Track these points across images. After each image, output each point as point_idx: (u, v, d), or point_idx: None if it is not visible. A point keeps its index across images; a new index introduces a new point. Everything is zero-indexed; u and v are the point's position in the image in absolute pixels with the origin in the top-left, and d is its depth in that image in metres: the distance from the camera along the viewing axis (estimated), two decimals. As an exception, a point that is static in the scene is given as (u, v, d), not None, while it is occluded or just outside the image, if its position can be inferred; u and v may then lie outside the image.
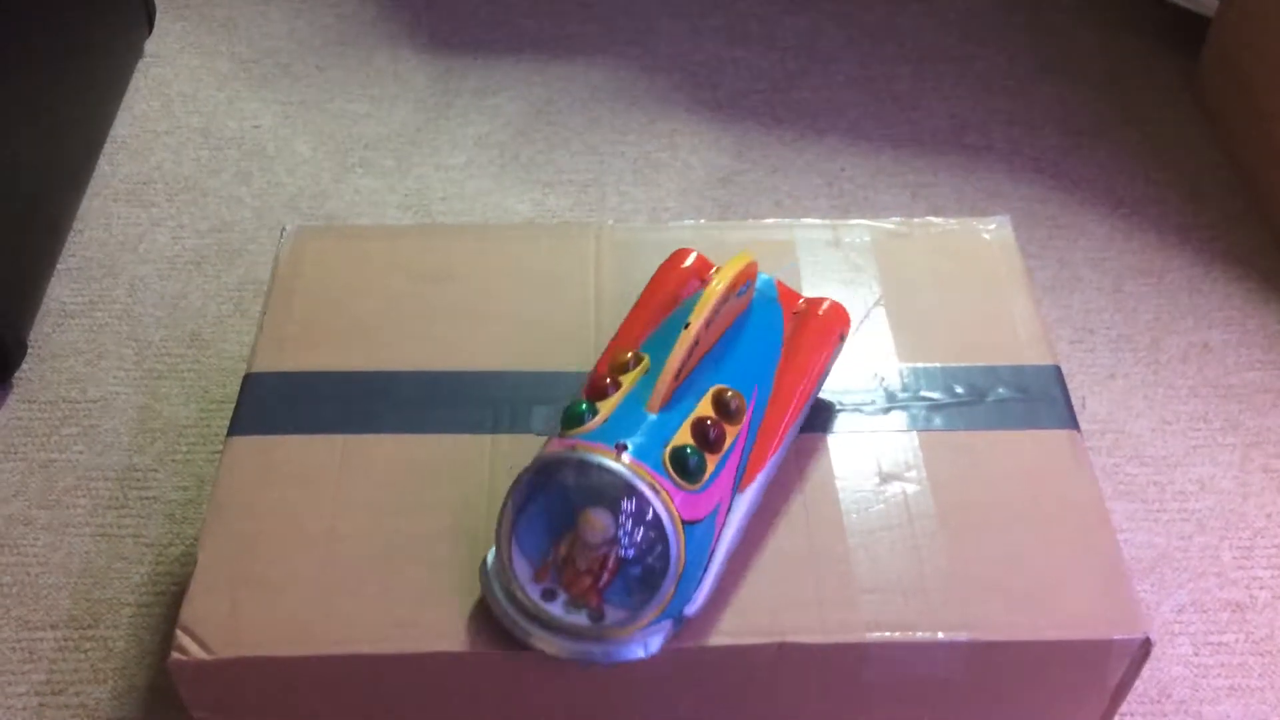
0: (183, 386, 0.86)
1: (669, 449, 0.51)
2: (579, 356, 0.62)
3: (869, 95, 1.11)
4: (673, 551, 0.50)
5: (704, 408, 0.54)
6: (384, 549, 0.55)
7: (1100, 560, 0.55)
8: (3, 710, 0.69)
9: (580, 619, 0.51)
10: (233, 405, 0.62)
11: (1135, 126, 1.08)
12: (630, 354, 0.56)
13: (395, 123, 1.07)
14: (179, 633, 0.52)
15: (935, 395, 0.62)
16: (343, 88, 1.11)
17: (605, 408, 0.53)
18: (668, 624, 0.51)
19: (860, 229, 0.71)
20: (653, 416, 0.52)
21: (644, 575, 0.51)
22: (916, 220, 0.71)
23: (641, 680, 0.55)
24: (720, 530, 0.53)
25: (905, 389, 0.62)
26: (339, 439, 0.60)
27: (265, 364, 0.63)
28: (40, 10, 0.93)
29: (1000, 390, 0.62)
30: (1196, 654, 0.72)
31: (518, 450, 0.58)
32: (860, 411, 0.61)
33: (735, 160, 1.04)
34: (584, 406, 0.52)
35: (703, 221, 0.73)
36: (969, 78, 1.12)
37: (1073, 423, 0.61)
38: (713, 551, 0.53)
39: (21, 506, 0.79)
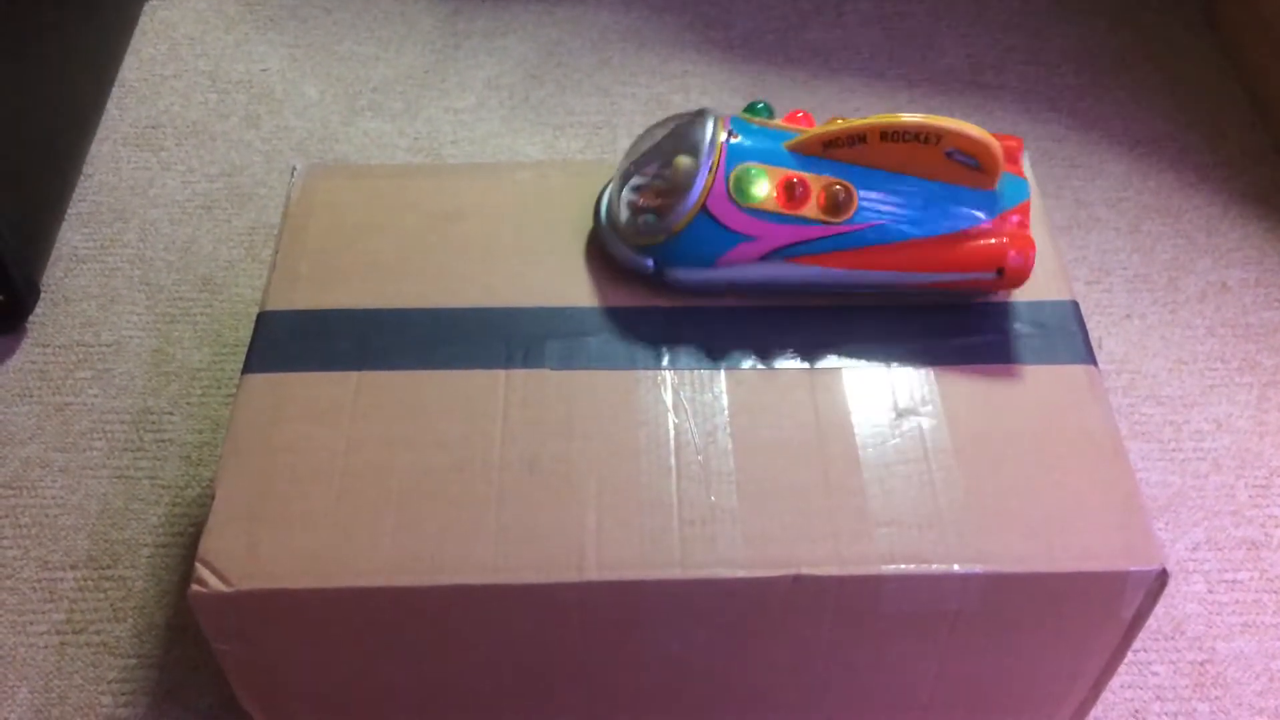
0: (195, 330, 0.86)
1: (752, 166, 0.59)
2: (591, 292, 0.62)
3: (883, 35, 1.09)
4: (684, 202, 0.59)
5: (817, 180, 0.59)
6: (399, 483, 0.55)
7: (1116, 493, 0.55)
8: (25, 648, 0.70)
9: (647, 220, 0.61)
10: (245, 349, 0.62)
11: (1153, 64, 1.06)
12: (840, 120, 0.61)
13: (404, 65, 1.06)
14: (198, 565, 0.52)
15: (951, 330, 0.61)
16: (350, 30, 1.10)
17: (771, 123, 0.61)
18: (649, 262, 0.61)
19: (876, 165, 0.70)
20: (781, 151, 0.60)
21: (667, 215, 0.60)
22: (933, 156, 0.70)
23: (656, 612, 0.55)
24: (737, 256, 0.60)
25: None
26: (353, 375, 0.59)
27: (278, 302, 0.63)
28: (45, -49, 0.92)
29: (1017, 325, 0.62)
30: (1211, 591, 0.72)
31: (531, 385, 0.58)
32: (876, 345, 0.61)
33: (748, 101, 1.03)
34: (761, 105, 0.63)
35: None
36: (985, 16, 1.11)
37: (1090, 358, 0.61)
38: (719, 261, 0.60)
39: (38, 449, 0.79)
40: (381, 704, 0.60)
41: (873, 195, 0.59)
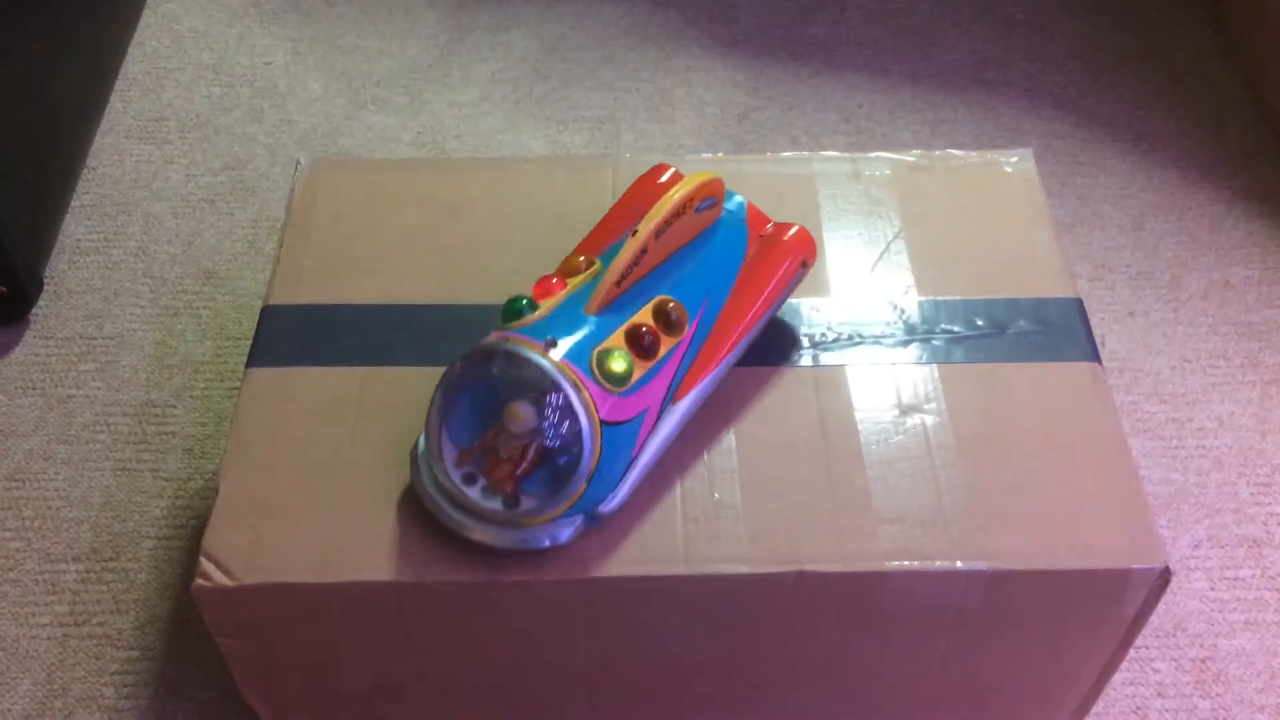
0: (198, 323, 0.86)
1: (597, 351, 0.52)
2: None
3: (887, 30, 1.09)
4: (587, 448, 0.51)
5: (644, 315, 0.54)
6: (402, 479, 0.55)
7: (1119, 491, 0.55)
8: (28, 640, 0.70)
9: (495, 504, 0.52)
10: (248, 342, 0.62)
11: (1158, 62, 1.06)
12: (582, 258, 0.57)
13: (408, 59, 1.06)
14: (202, 559, 0.53)
15: (955, 328, 0.61)
16: (354, 24, 1.10)
17: (546, 306, 0.54)
18: (579, 519, 0.52)
19: (880, 162, 0.70)
20: (590, 318, 0.53)
21: (561, 470, 0.52)
22: (937, 153, 0.70)
23: (659, 608, 0.55)
24: (645, 436, 0.54)
25: (925, 322, 0.62)
26: (357, 371, 0.60)
27: (282, 297, 0.63)
28: (49, -57, 0.92)
29: (1021, 323, 0.62)
30: (1213, 589, 0.72)
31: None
32: (880, 344, 0.61)
33: (751, 97, 1.03)
34: (524, 302, 0.54)
35: (720, 155, 0.72)
36: (989, 12, 1.11)
37: (1094, 355, 0.61)
38: (635, 456, 0.54)
39: (41, 441, 0.79)
40: (384, 698, 0.61)
41: (681, 287, 0.56)
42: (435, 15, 1.11)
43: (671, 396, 0.55)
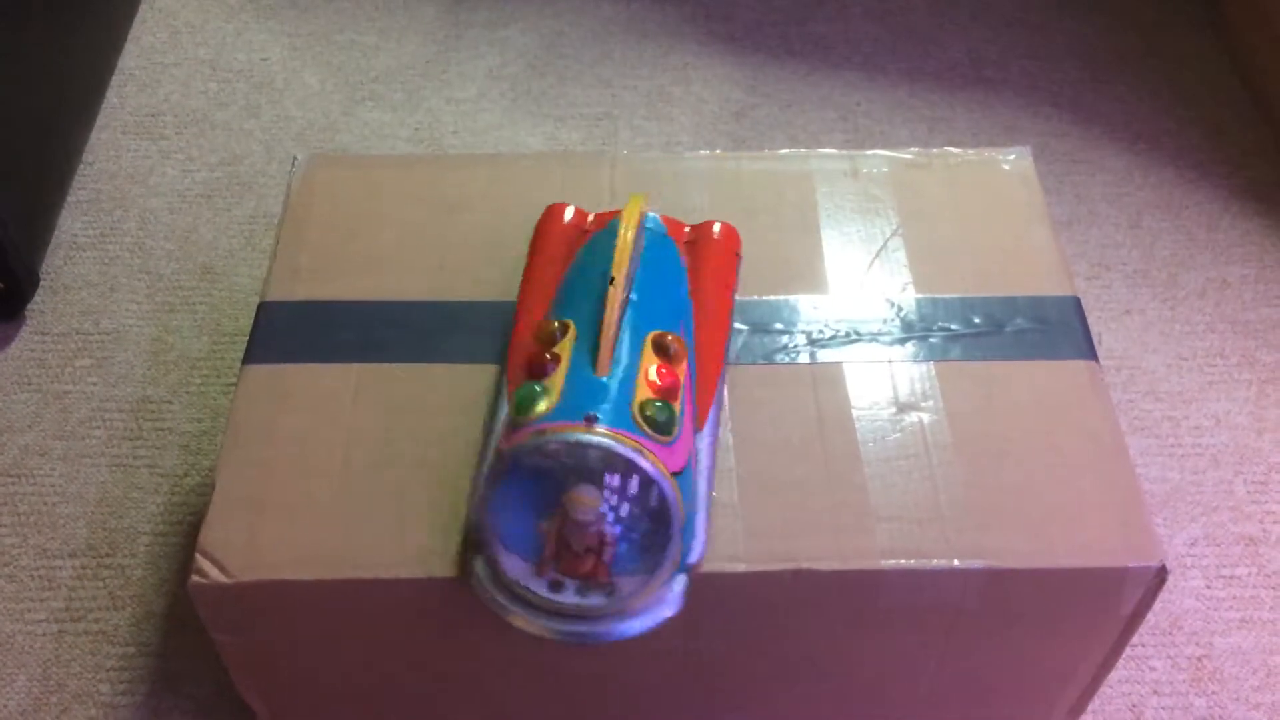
0: (195, 319, 0.86)
1: (635, 407, 0.50)
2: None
3: (885, 28, 1.09)
4: (672, 508, 0.48)
5: (648, 358, 0.52)
6: (399, 476, 0.55)
7: (1116, 489, 0.55)
8: (23, 636, 0.70)
9: (597, 600, 0.49)
10: (245, 338, 0.61)
11: (1155, 60, 1.06)
12: (555, 323, 0.54)
13: (405, 55, 1.06)
14: (198, 556, 0.52)
15: (953, 326, 0.61)
16: (351, 19, 1.09)
17: (554, 384, 0.50)
18: (682, 577, 0.51)
19: (878, 159, 0.70)
20: (604, 380, 0.51)
21: (644, 538, 0.49)
22: (935, 151, 0.70)
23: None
24: (695, 474, 0.53)
25: (923, 319, 0.62)
26: (353, 368, 0.59)
27: (279, 293, 0.63)
28: (45, -63, 0.91)
29: (1018, 321, 0.62)
30: (1209, 587, 0.73)
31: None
32: (877, 341, 0.61)
33: (749, 94, 1.03)
34: (538, 389, 0.50)
35: (718, 152, 0.72)
36: (987, 11, 1.11)
37: (1091, 354, 0.61)
38: (696, 496, 0.52)
39: (37, 437, 0.79)
40: (380, 696, 0.61)
41: (659, 318, 0.55)
42: (433, 11, 1.10)
43: (696, 426, 0.54)
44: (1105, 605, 0.55)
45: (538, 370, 0.51)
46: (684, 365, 0.54)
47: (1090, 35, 1.08)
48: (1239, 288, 0.88)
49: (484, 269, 0.64)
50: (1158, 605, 0.69)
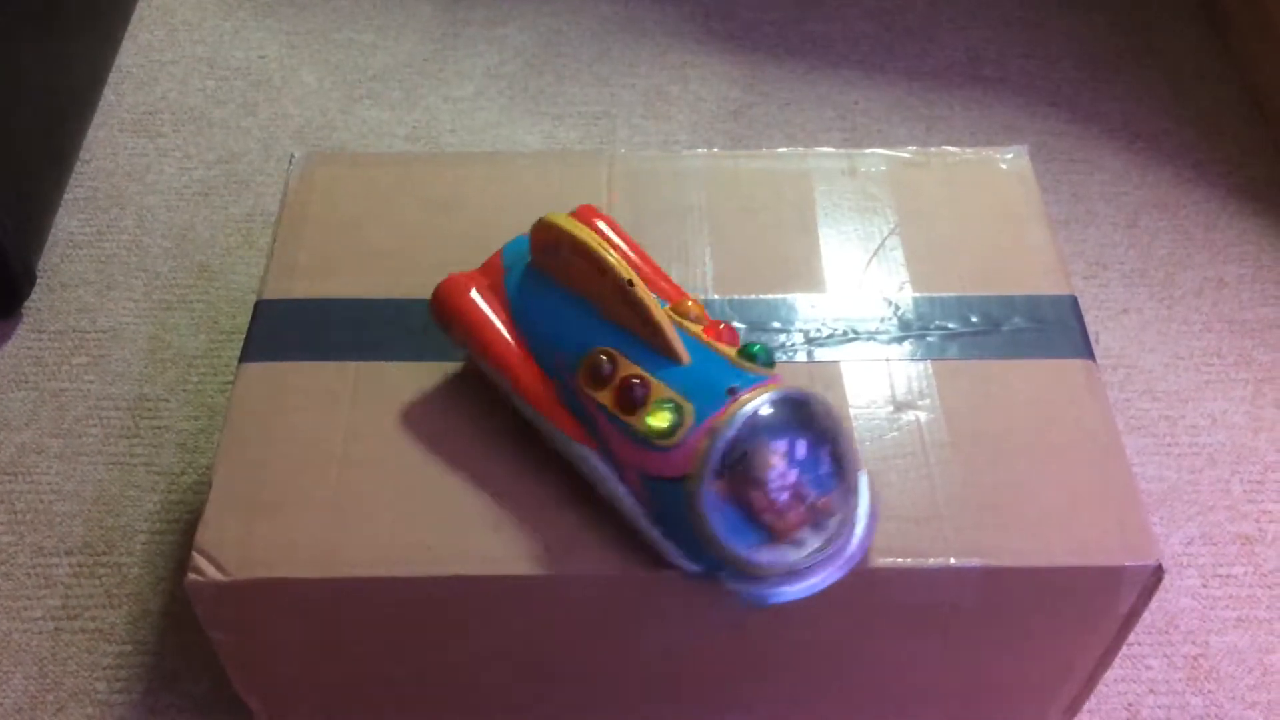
0: (192, 317, 0.86)
1: (736, 359, 0.51)
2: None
3: (883, 27, 1.09)
4: (840, 422, 0.51)
5: (684, 328, 0.53)
6: (396, 474, 0.55)
7: (1113, 488, 0.55)
8: (20, 634, 0.70)
9: (832, 524, 0.50)
10: (242, 336, 0.61)
11: (1152, 60, 1.06)
12: (599, 355, 0.52)
13: (403, 53, 1.06)
14: (195, 555, 0.52)
15: (950, 324, 0.62)
16: (349, 17, 1.09)
17: (662, 394, 0.50)
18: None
19: (876, 158, 0.70)
20: (695, 364, 0.51)
21: (826, 458, 0.50)
22: (933, 150, 0.70)
23: (654, 605, 0.55)
24: None
25: (920, 318, 0.62)
26: (351, 365, 0.59)
27: (276, 291, 0.63)
28: (42, -65, 0.91)
29: (1016, 320, 0.62)
30: (1205, 586, 0.73)
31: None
32: (874, 340, 0.61)
33: (747, 93, 1.03)
34: (659, 408, 0.50)
35: (716, 151, 0.72)
36: (985, 9, 1.11)
37: (1088, 353, 0.61)
38: None
39: (34, 435, 0.79)
40: (377, 693, 0.61)
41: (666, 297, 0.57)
42: (431, 9, 1.10)
43: None
44: (1102, 604, 0.55)
45: (635, 398, 0.51)
46: (708, 318, 0.55)
47: (1088, 34, 1.08)
48: (1236, 287, 0.89)
49: (481, 267, 0.63)
50: (1154, 604, 0.70)
